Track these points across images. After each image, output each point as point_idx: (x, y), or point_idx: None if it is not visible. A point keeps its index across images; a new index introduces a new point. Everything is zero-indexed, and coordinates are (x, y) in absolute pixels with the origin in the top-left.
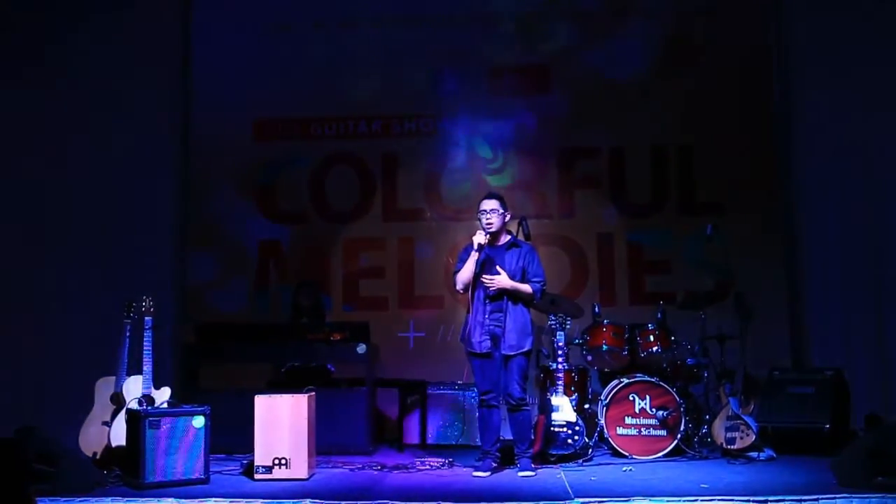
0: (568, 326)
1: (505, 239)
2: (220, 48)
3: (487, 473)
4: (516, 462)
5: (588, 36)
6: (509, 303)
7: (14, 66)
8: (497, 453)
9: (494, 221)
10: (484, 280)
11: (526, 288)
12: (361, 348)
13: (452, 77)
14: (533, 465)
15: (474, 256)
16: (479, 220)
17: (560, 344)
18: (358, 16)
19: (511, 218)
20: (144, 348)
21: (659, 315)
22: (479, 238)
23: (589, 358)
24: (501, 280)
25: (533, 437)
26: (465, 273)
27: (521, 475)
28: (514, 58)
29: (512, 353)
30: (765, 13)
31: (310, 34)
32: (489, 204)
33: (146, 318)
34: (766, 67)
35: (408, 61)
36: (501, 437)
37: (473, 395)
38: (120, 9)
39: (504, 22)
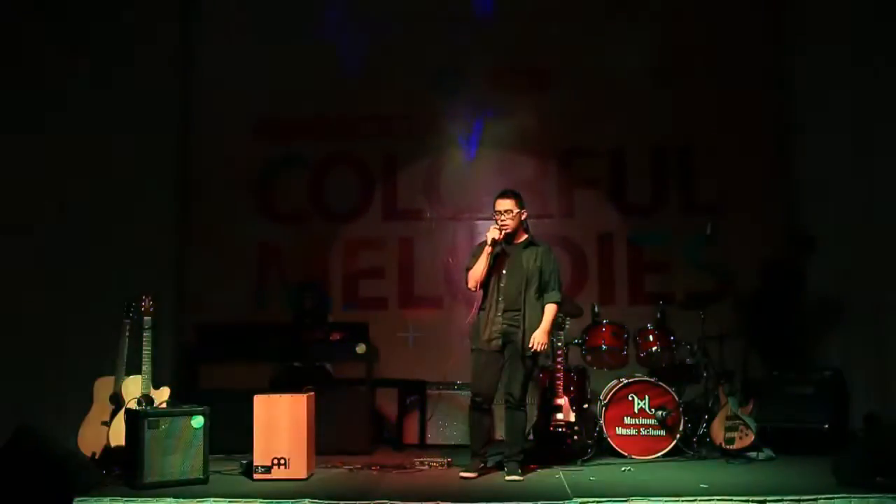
0: (567, 326)
1: (522, 237)
2: (221, 48)
3: (475, 475)
4: (504, 465)
5: (588, 36)
6: (526, 304)
7: (13, 67)
8: (485, 455)
9: (510, 223)
10: (537, 349)
11: (552, 315)
12: (361, 348)
13: (452, 77)
14: (520, 470)
15: (487, 251)
16: (495, 220)
17: (559, 344)
18: (358, 15)
19: (527, 216)
20: (144, 348)
21: (659, 315)
22: (493, 233)
23: (588, 358)
24: (539, 338)
25: (532, 438)
26: (478, 270)
27: (508, 479)
28: (514, 58)
29: (526, 354)
30: (764, 13)
31: (310, 34)
32: (504, 204)
33: (145, 317)
34: (766, 67)
35: (408, 61)
36: (493, 437)
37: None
38: (119, 10)
39: (504, 22)
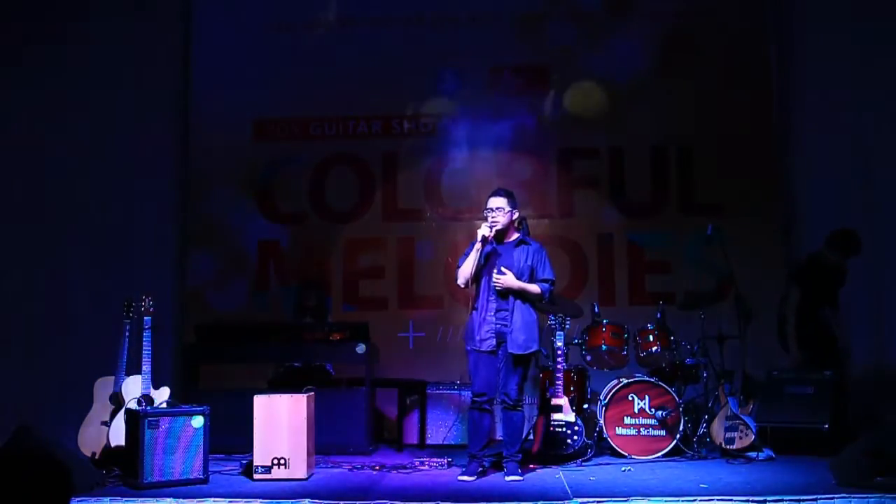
0: (567, 326)
1: (513, 236)
2: (220, 48)
3: (473, 478)
4: (504, 466)
5: (588, 36)
6: (516, 301)
7: (13, 66)
8: (483, 458)
9: (500, 220)
10: (494, 281)
11: (534, 288)
12: (361, 348)
13: (452, 77)
14: (520, 470)
15: (477, 249)
16: (486, 217)
17: (559, 344)
18: (358, 16)
19: (519, 216)
20: (144, 348)
21: (658, 315)
22: (483, 231)
23: (588, 358)
24: (508, 280)
25: (532, 438)
26: (467, 267)
27: (508, 479)
28: (514, 58)
29: (519, 353)
30: (764, 13)
31: (309, 34)
32: (495, 202)
33: (145, 317)
34: (766, 67)
35: (408, 61)
36: (493, 438)
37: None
38: (119, 8)
39: (504, 22)
